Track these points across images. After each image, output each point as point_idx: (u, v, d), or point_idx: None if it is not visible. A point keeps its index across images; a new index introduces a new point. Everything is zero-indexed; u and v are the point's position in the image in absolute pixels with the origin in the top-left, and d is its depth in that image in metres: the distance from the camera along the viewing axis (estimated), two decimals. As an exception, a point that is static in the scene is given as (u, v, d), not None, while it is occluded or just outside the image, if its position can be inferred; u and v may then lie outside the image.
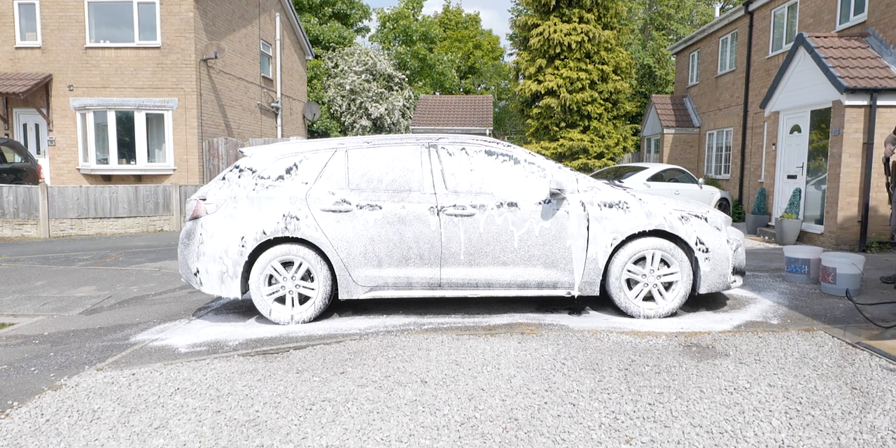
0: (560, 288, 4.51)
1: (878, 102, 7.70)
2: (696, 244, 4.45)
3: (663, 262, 4.48)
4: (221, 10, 14.37)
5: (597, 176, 12.16)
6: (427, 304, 5.01)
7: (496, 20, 61.10)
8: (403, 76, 26.35)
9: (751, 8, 12.84)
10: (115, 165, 13.24)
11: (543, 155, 6.50)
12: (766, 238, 9.34)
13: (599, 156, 16.79)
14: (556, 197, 4.46)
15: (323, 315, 4.68)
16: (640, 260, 4.49)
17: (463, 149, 4.61)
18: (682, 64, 17.63)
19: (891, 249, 7.85)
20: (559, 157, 16.49)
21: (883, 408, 2.82)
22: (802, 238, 8.75)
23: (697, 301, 5.00)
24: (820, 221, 8.62)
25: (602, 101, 16.70)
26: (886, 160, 5.90)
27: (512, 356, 3.60)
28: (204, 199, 4.52)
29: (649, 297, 4.55)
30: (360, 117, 24.64)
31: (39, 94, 13.18)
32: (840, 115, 7.93)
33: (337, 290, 4.57)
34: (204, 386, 3.23)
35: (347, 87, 24.50)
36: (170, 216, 11.84)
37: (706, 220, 4.55)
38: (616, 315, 4.59)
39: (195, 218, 4.51)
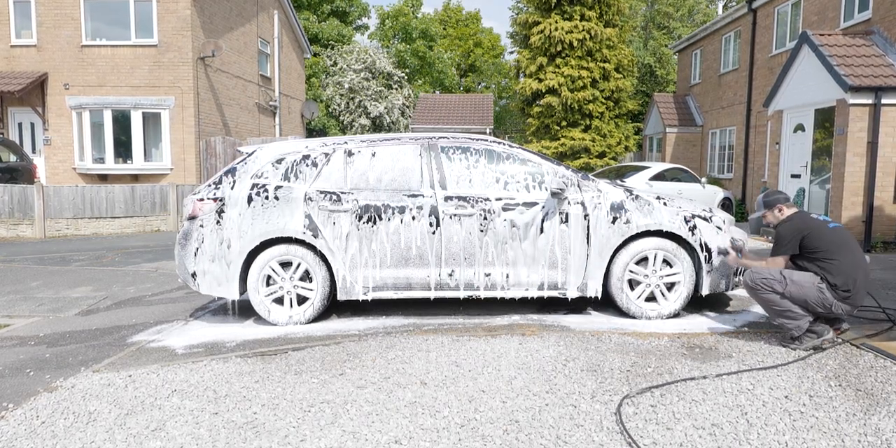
0: (561, 288, 4.47)
1: (883, 101, 7.64)
2: (699, 245, 4.41)
3: (665, 262, 4.44)
4: (219, 8, 14.31)
5: (598, 175, 12.11)
6: (427, 305, 4.98)
7: (497, 18, 61.02)
8: (403, 74, 26.26)
9: (754, 5, 12.78)
10: (111, 165, 13.18)
11: (544, 154, 6.46)
12: (770, 238, 9.30)
13: (601, 155, 16.74)
14: (557, 197, 4.42)
15: (322, 316, 4.64)
16: (643, 260, 4.45)
17: (463, 148, 4.57)
18: (685, 62, 17.58)
19: None
20: (560, 157, 16.44)
21: (888, 410, 2.79)
22: (805, 237, 8.69)
23: (700, 302, 4.96)
24: (823, 221, 8.56)
25: (604, 100, 16.65)
26: None
27: (513, 357, 3.57)
28: (201, 200, 4.48)
29: (651, 298, 4.51)
30: (359, 116, 24.56)
31: (35, 92, 13.12)
32: (844, 114, 7.88)
33: (335, 290, 4.53)
34: (201, 387, 3.20)
35: (346, 86, 24.43)
36: (167, 216, 11.79)
37: (709, 220, 4.51)
38: (618, 316, 4.56)
39: (192, 218, 4.47)
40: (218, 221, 4.41)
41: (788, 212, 3.80)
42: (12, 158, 11.82)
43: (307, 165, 4.52)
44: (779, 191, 3.91)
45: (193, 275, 4.46)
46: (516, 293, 4.48)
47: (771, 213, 3.86)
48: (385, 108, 24.62)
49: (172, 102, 13.09)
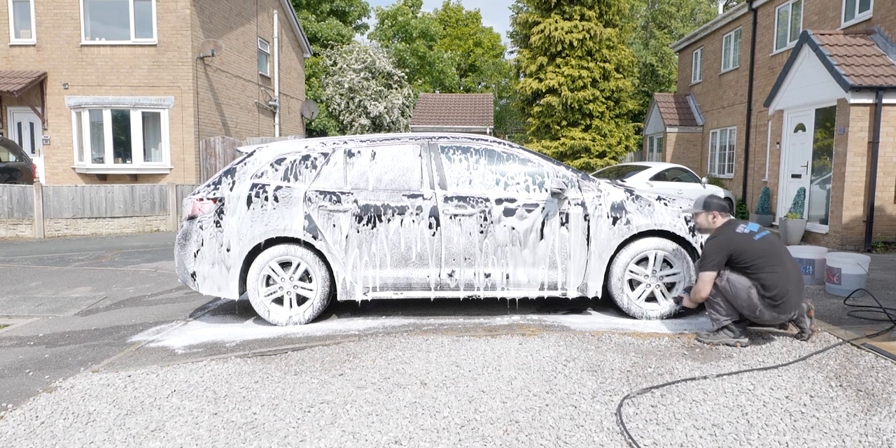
0: (562, 289, 4.46)
1: (884, 100, 7.64)
2: (700, 245, 4.40)
3: (666, 262, 4.44)
4: (219, 8, 14.30)
5: (599, 175, 12.11)
6: (427, 306, 4.97)
7: (497, 18, 61.01)
8: (403, 74, 26.24)
9: (755, 5, 12.77)
10: (110, 164, 13.17)
11: (545, 154, 6.44)
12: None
13: (601, 155, 16.74)
14: (557, 196, 4.41)
15: (321, 316, 4.63)
16: (643, 260, 4.44)
17: (463, 148, 4.56)
18: (686, 62, 17.57)
19: None
20: (561, 156, 16.44)
21: (889, 410, 2.78)
22: (807, 238, 8.70)
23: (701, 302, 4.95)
24: (825, 221, 8.57)
25: (604, 100, 16.64)
26: None
27: (513, 358, 3.56)
28: (201, 200, 4.47)
29: (652, 298, 4.50)
30: (359, 116, 24.55)
31: (34, 92, 13.11)
32: (845, 114, 7.88)
33: (335, 290, 4.52)
34: (201, 388, 3.19)
35: (346, 86, 24.41)
36: (166, 216, 11.78)
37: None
38: (618, 316, 4.55)
39: (192, 218, 4.46)
40: (217, 222, 4.41)
41: (721, 221, 3.84)
42: (11, 158, 11.81)
43: (307, 166, 4.51)
44: (721, 197, 3.92)
45: (193, 275, 4.46)
46: (516, 293, 4.47)
47: (704, 217, 3.88)
48: (385, 107, 24.60)
49: (172, 102, 13.08)
